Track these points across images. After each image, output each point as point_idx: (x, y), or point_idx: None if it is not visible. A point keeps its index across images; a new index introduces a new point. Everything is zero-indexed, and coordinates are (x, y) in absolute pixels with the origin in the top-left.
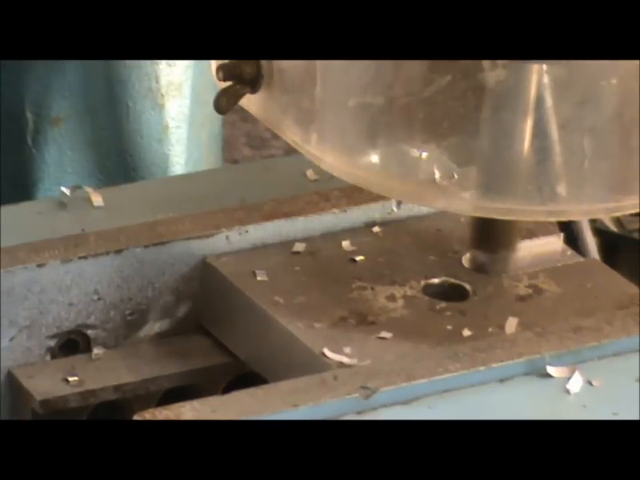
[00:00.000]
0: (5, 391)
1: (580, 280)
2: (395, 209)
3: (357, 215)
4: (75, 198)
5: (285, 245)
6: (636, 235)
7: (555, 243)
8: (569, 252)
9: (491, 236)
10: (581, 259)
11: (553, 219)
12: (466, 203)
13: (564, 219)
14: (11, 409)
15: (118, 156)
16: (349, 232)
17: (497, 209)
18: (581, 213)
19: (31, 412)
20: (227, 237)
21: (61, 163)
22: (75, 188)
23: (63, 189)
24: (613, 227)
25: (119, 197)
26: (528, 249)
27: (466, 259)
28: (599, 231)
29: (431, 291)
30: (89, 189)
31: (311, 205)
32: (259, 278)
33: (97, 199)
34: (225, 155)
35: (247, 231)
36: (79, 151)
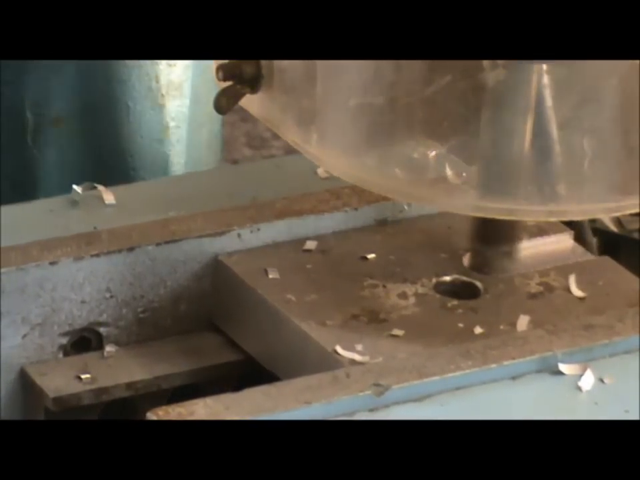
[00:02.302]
0: (17, 388)
1: (591, 278)
2: (406, 207)
3: (368, 212)
4: (87, 196)
5: (297, 243)
6: (636, 235)
7: (565, 240)
8: (580, 250)
9: (491, 233)
10: (592, 257)
11: (553, 219)
12: (466, 203)
13: (564, 219)
14: (24, 406)
15: (118, 156)
16: (360, 230)
17: (498, 209)
18: (581, 213)
19: (43, 409)
20: (239, 235)
21: (61, 163)
22: (86, 186)
23: (75, 187)
24: (613, 227)
25: (131, 195)
26: (539, 247)
27: (466, 260)
28: (599, 231)
29: (442, 289)
30: (100, 187)
31: (322, 203)
32: (270, 276)
33: (109, 197)
34: (225, 155)
35: (258, 229)
36: (79, 151)
